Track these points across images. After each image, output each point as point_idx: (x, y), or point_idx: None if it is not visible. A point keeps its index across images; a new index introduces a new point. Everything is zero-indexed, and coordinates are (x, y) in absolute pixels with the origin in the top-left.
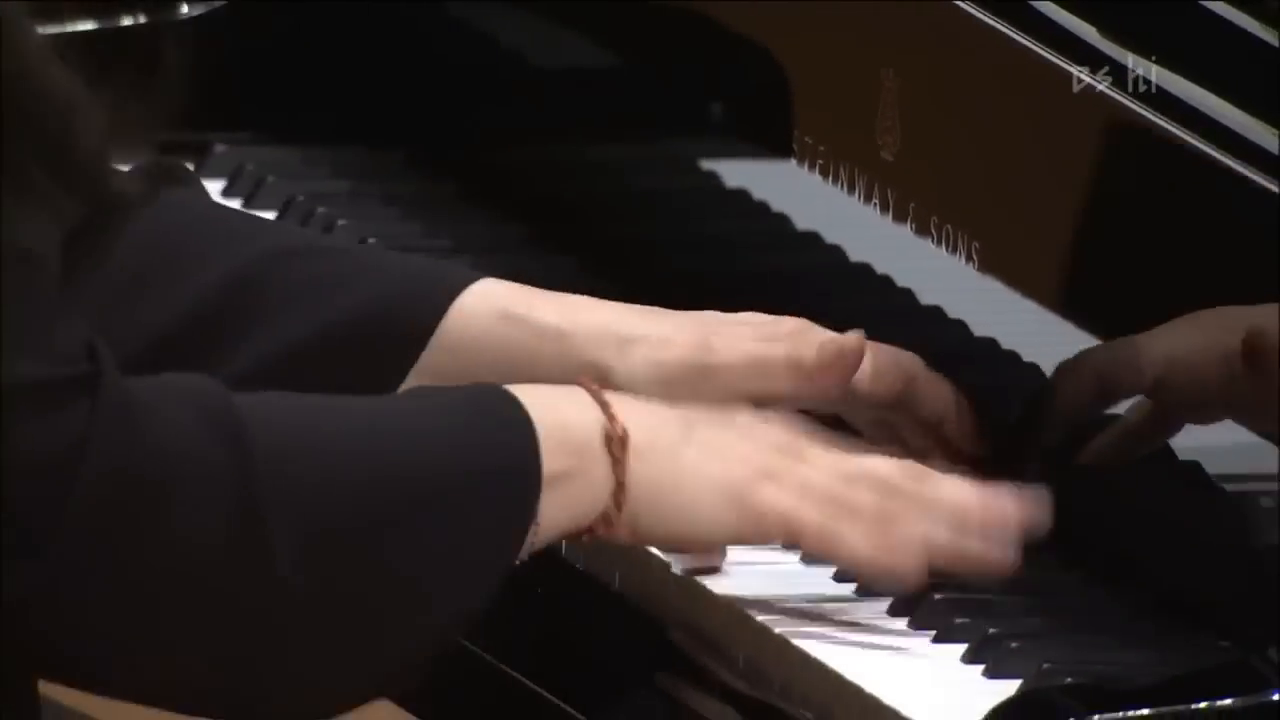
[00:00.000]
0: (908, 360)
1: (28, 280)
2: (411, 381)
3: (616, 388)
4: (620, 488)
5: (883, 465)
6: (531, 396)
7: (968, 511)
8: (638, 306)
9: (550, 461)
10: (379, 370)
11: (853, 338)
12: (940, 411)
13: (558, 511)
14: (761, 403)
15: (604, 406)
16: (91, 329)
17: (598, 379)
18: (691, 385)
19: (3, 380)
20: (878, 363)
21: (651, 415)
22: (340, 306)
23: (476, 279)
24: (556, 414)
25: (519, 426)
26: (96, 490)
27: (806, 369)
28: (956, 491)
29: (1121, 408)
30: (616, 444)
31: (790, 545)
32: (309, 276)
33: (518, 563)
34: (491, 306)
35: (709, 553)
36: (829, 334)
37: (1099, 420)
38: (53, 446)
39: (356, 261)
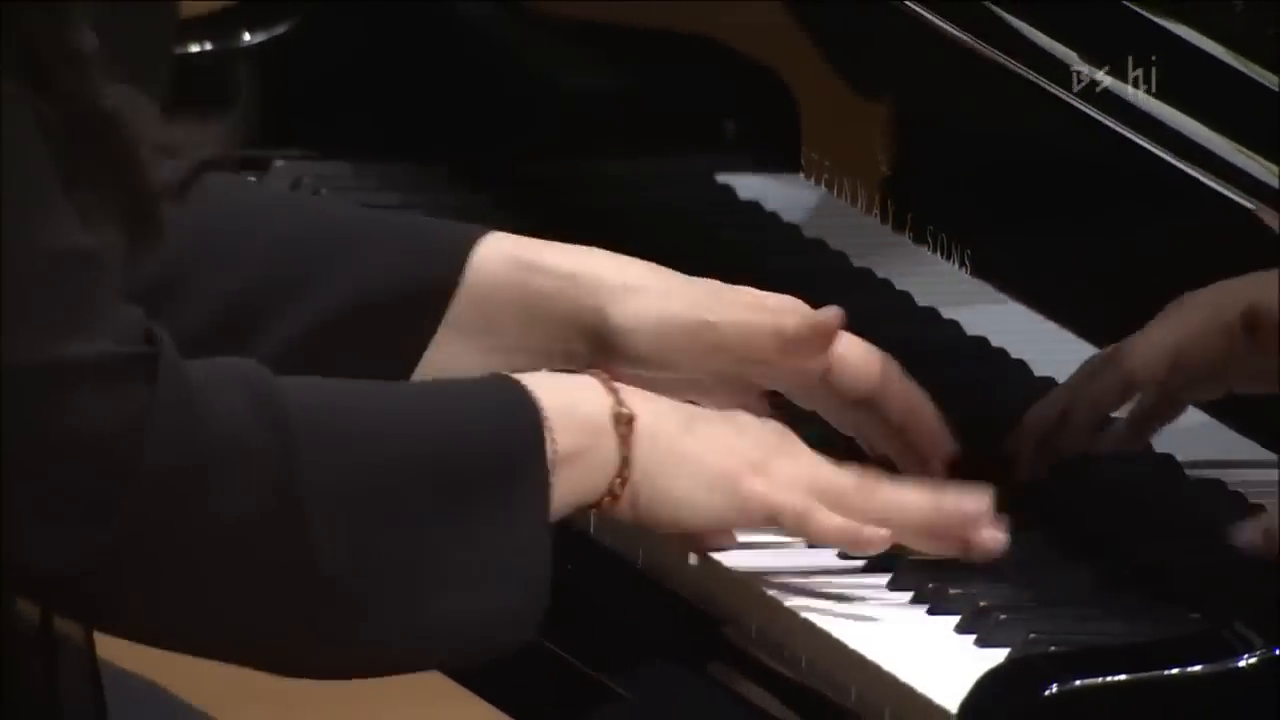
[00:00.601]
0: (882, 359)
1: (87, 268)
2: (443, 335)
3: (612, 333)
4: (625, 464)
5: (844, 475)
6: (542, 384)
7: (921, 523)
8: (643, 261)
9: (562, 440)
10: (412, 328)
11: (829, 312)
12: (906, 416)
13: (570, 486)
14: (745, 380)
15: (614, 393)
16: (147, 315)
17: (595, 323)
18: (685, 340)
19: (69, 356)
20: (852, 354)
21: (657, 404)
22: (367, 274)
23: (486, 232)
24: (567, 398)
25: (527, 413)
26: (156, 467)
27: (787, 337)
28: (908, 502)
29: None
30: (624, 424)
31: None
32: (334, 248)
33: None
34: (504, 255)
35: (718, 535)
36: (814, 311)
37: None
38: (118, 422)
39: (374, 230)
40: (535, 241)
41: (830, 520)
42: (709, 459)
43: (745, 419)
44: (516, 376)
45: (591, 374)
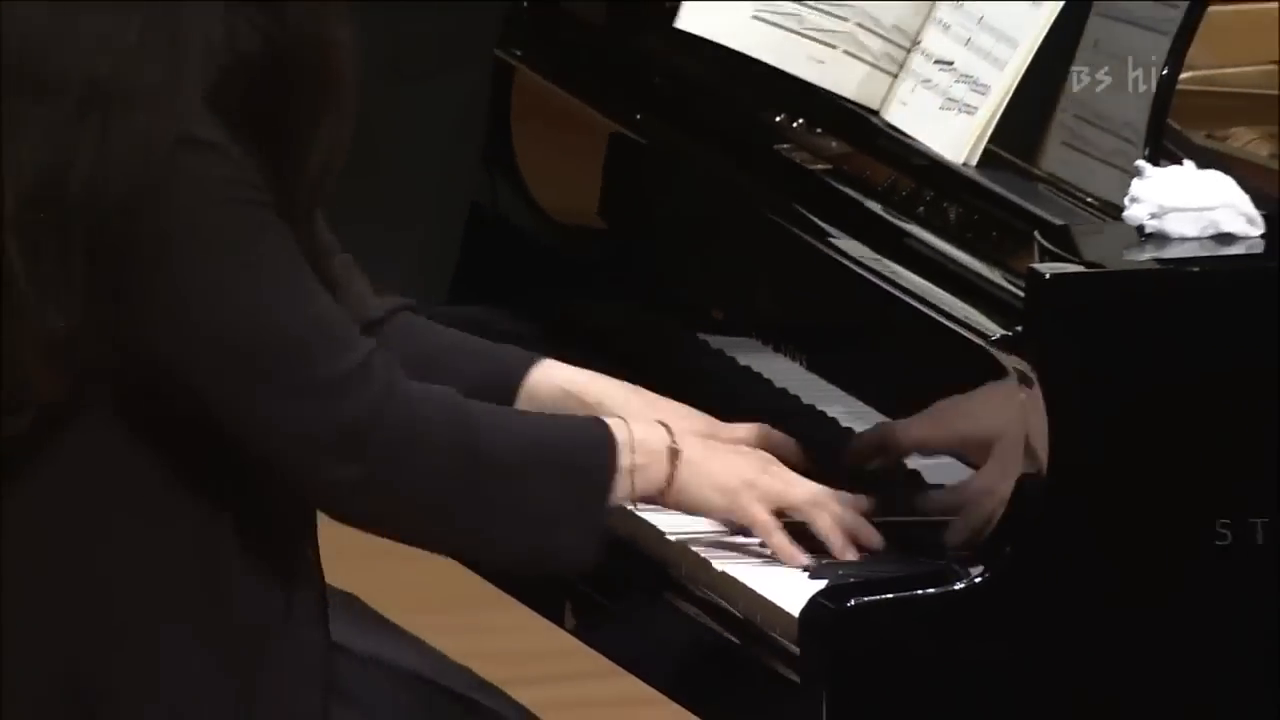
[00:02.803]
0: (774, 433)
1: (337, 311)
2: None
3: None
4: (670, 478)
5: (797, 497)
6: (624, 426)
7: (832, 545)
8: (653, 396)
9: (627, 459)
10: None
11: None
12: (783, 450)
13: (632, 485)
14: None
15: (671, 436)
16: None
17: None
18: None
19: (344, 364)
20: (758, 433)
21: (694, 440)
22: (464, 377)
23: (539, 359)
24: (639, 435)
25: (607, 441)
26: (390, 429)
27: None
28: (827, 528)
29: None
30: (673, 456)
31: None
32: (441, 361)
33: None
34: (554, 384)
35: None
36: (781, 436)
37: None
38: (371, 401)
39: (472, 349)
40: (575, 372)
41: (778, 543)
42: (720, 476)
43: (746, 450)
44: (607, 419)
45: (660, 423)
